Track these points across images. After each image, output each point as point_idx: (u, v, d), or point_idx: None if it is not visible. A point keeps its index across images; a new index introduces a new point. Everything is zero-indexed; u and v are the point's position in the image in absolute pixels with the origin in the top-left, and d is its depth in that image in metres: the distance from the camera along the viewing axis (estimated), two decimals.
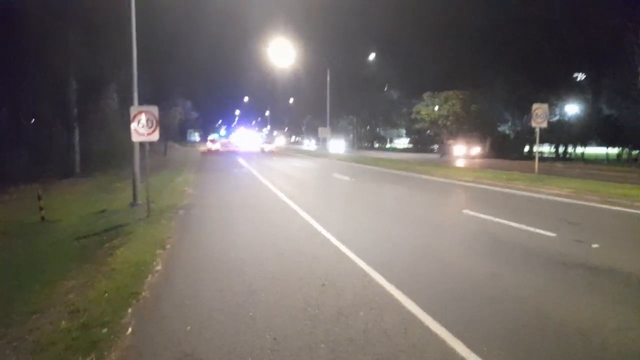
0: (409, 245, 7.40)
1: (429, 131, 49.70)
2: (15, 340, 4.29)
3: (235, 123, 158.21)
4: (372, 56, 51.95)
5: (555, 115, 37.79)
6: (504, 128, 44.67)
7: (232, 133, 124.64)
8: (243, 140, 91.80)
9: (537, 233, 8.10)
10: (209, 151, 54.36)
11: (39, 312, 4.99)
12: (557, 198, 12.49)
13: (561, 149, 39.45)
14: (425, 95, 46.73)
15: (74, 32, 22.38)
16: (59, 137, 24.23)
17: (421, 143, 57.98)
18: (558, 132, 36.55)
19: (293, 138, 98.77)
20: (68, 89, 23.77)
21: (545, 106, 18.37)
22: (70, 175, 23.09)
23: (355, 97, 65.32)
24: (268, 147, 59.35)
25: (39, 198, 11.57)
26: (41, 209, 11.39)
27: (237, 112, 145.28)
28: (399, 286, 5.38)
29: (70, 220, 11.17)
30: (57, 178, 21.94)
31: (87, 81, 24.50)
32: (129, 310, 4.78)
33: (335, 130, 67.63)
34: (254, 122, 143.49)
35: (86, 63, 23.44)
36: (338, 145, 62.59)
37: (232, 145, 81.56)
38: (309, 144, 54.30)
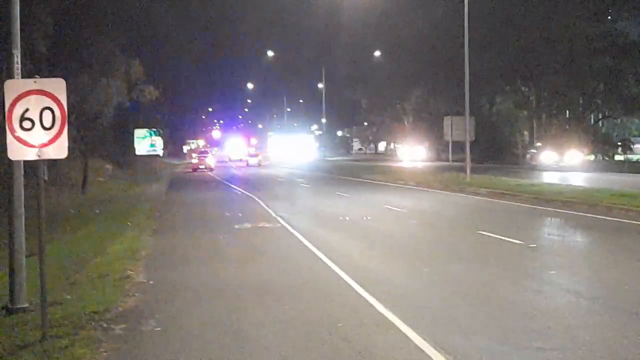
0: None
1: None
2: None
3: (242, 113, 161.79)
4: None
5: None
6: None
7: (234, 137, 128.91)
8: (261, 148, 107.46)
9: None
10: (196, 170, 74.98)
11: None
12: None
13: None
14: None
15: None
16: None
17: None
18: None
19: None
20: None
21: None
22: None
23: (533, 39, 64.04)
24: (254, 160, 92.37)
25: None
26: None
27: (250, 85, 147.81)
28: None
29: None
30: None
31: None
32: None
33: (481, 120, 66.25)
34: (289, 109, 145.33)
35: None
36: None
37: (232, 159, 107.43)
38: None
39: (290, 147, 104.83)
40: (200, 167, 75.79)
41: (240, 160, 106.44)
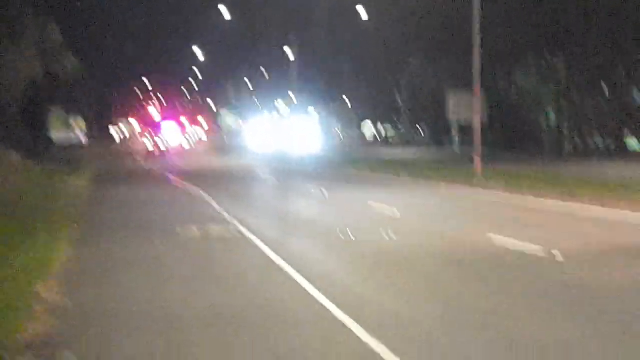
0: None
1: None
2: None
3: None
4: None
5: None
6: None
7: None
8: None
9: None
10: (149, 154, 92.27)
11: None
12: None
13: None
14: None
15: None
16: None
17: None
18: None
19: None
20: None
21: None
22: None
23: None
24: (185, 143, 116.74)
25: None
26: None
27: (199, 51, 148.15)
28: None
29: None
30: None
31: None
32: None
33: (497, 99, 66.01)
34: (246, 79, 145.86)
35: None
36: None
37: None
38: None
39: (284, 134, 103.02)
40: (157, 153, 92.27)
41: (180, 145, 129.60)
